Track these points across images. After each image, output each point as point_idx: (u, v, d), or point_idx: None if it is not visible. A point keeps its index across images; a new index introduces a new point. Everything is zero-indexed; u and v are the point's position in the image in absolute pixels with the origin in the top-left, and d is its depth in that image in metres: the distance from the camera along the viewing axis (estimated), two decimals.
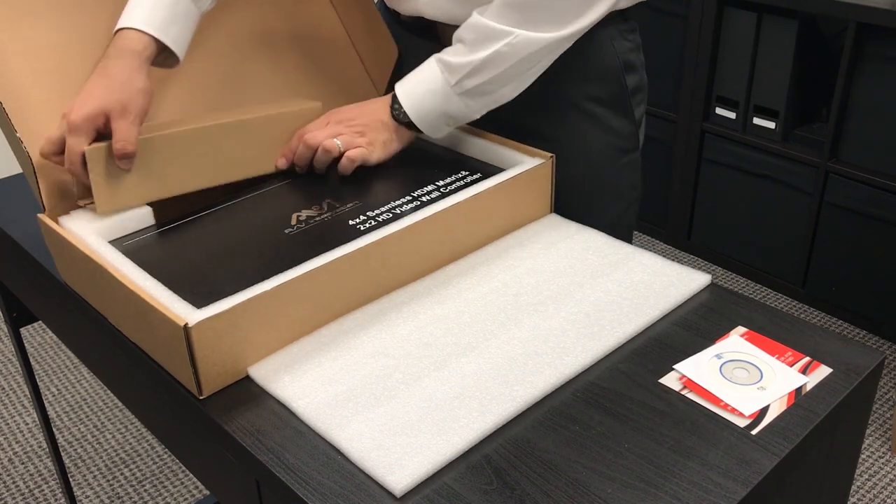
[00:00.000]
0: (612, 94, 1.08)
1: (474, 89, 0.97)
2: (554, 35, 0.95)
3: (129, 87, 0.90)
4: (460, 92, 0.97)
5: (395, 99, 1.00)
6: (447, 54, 0.98)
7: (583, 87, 1.07)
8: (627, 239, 1.12)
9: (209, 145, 0.97)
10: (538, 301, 0.88)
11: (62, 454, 1.95)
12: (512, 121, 1.06)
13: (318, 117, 1.03)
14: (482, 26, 0.95)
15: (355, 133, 1.00)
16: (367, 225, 0.91)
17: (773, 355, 0.80)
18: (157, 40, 0.94)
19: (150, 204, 0.95)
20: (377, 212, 0.94)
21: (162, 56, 0.97)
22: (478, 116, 1.01)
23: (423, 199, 0.96)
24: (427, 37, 1.09)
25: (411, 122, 1.00)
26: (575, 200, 1.06)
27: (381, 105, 1.02)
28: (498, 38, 0.94)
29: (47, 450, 1.96)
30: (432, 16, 1.05)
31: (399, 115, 1.00)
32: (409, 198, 0.96)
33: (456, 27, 1.00)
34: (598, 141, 1.09)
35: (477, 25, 0.95)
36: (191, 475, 1.89)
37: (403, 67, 1.13)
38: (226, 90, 1.08)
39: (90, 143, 0.89)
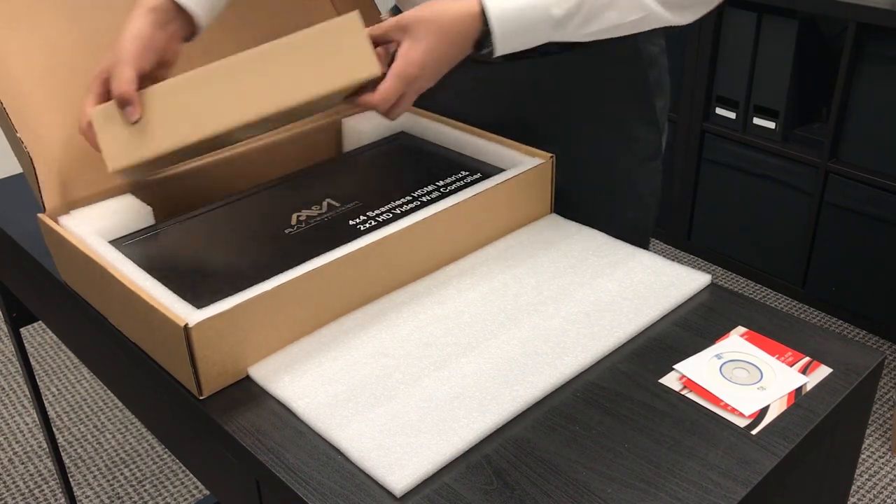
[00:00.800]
0: (637, 100, 1.07)
1: (577, 30, 0.90)
2: (680, 21, 0.93)
3: (124, 37, 0.87)
4: (560, 33, 0.90)
5: (486, 40, 0.88)
6: (564, 2, 0.87)
7: (608, 93, 1.06)
8: (644, 245, 1.10)
9: (224, 82, 0.87)
10: (538, 301, 0.88)
11: (62, 454, 1.95)
12: (531, 122, 1.05)
13: (355, 25, 0.85)
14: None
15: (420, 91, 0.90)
16: (367, 225, 0.91)
17: (773, 355, 0.80)
18: None
19: (149, 204, 0.95)
20: (377, 212, 0.94)
21: (182, 20, 0.91)
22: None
23: (423, 199, 0.96)
24: None
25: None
26: (592, 205, 1.04)
27: (465, 49, 0.88)
28: (639, 9, 0.89)
29: (47, 450, 1.96)
30: None
31: (484, 55, 0.90)
32: (409, 198, 0.96)
33: None
34: (621, 147, 1.08)
35: None
36: (191, 475, 1.89)
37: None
38: None
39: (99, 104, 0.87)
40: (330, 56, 0.84)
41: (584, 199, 1.04)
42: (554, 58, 1.02)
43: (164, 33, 0.89)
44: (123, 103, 0.85)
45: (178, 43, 0.91)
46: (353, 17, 0.85)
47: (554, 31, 0.88)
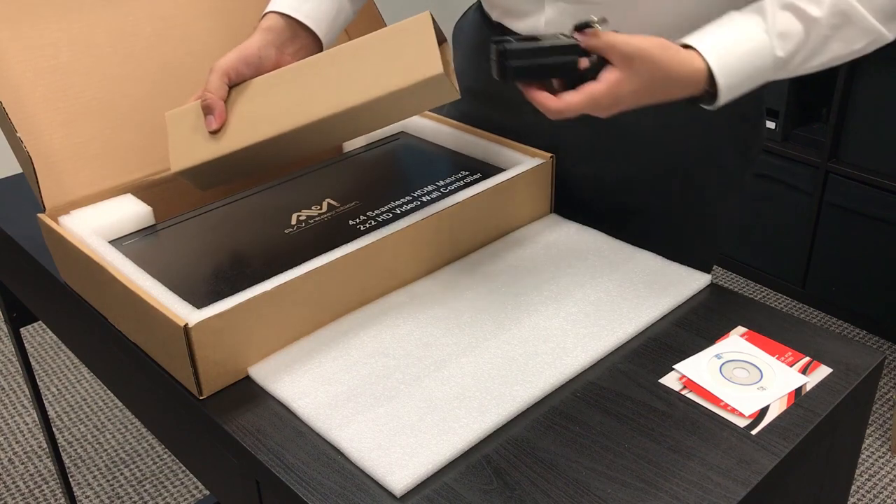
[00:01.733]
0: (736, 131, 1.02)
1: (799, 67, 0.84)
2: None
3: (232, 50, 0.89)
4: (783, 72, 0.84)
5: (710, 93, 0.82)
6: (786, 41, 0.81)
7: (714, 126, 1.01)
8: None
9: (287, 85, 0.85)
10: (538, 301, 0.88)
11: (62, 454, 1.95)
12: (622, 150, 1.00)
13: (425, 25, 0.81)
14: (867, 27, 0.82)
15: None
16: (367, 225, 0.91)
17: (773, 355, 0.80)
18: (281, 15, 0.91)
19: (149, 204, 0.95)
20: (377, 212, 0.94)
21: (304, 38, 0.92)
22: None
23: (423, 199, 0.96)
24: None
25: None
26: (668, 231, 1.00)
27: (681, 83, 0.81)
28: (870, 35, 0.83)
29: (47, 450, 1.96)
30: None
31: (700, 102, 0.84)
32: (409, 198, 0.96)
33: None
34: (709, 177, 1.03)
35: (835, 9, 0.81)
36: (191, 475, 1.89)
37: (508, 90, 0.99)
38: None
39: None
40: (394, 57, 0.81)
41: (657, 223, 1.00)
42: None
43: (276, 52, 0.90)
44: (206, 111, 0.88)
45: (294, 61, 0.91)
46: (425, 17, 0.81)
47: (775, 73, 0.84)
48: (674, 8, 0.88)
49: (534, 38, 0.79)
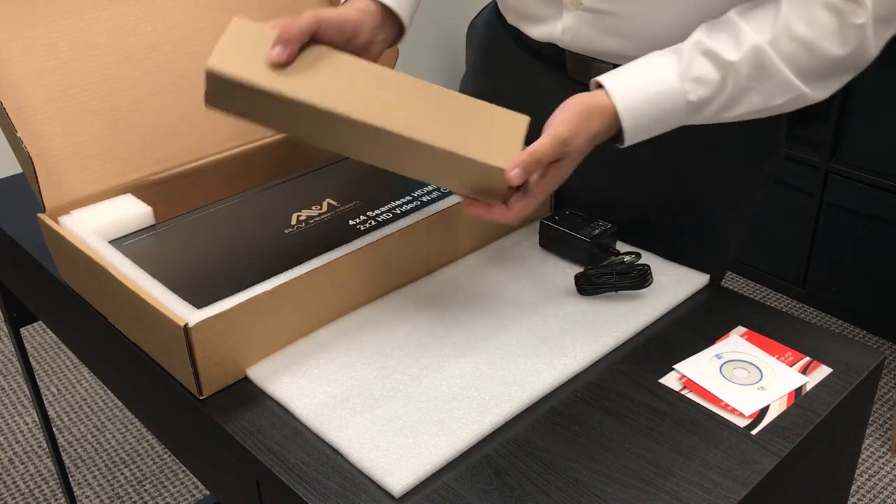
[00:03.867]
0: (750, 158, 1.01)
1: (715, 115, 0.85)
2: (820, 97, 0.85)
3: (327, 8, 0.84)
4: (697, 117, 0.85)
5: (620, 135, 0.83)
6: (700, 88, 0.81)
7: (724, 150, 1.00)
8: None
9: (369, 80, 0.80)
10: (537, 301, 0.88)
11: (62, 454, 1.95)
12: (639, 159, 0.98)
13: (520, 127, 0.81)
14: (782, 80, 0.81)
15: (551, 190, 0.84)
16: (367, 225, 0.91)
17: (773, 355, 0.80)
18: (374, 0, 0.86)
19: (149, 204, 0.95)
20: (377, 212, 0.94)
21: (391, 25, 0.89)
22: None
23: (423, 199, 0.96)
24: (553, 65, 1.00)
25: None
26: (672, 247, 0.98)
27: (597, 129, 0.82)
28: (790, 93, 0.82)
29: (47, 450, 1.96)
30: (569, 45, 0.96)
31: (615, 143, 0.85)
32: (409, 198, 0.96)
33: (588, 59, 0.95)
34: (719, 194, 1.02)
35: (774, 73, 0.81)
36: (191, 475, 1.89)
37: (520, 94, 1.02)
38: None
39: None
40: (479, 130, 0.80)
41: (665, 236, 0.99)
42: None
43: (369, 34, 0.86)
44: (279, 41, 0.78)
45: (379, 48, 0.88)
46: (524, 120, 0.82)
47: (689, 117, 0.84)
48: (689, 17, 0.87)
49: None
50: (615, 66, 0.93)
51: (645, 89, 0.81)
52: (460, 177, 0.80)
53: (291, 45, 0.79)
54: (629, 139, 0.83)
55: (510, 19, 1.04)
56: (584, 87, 0.96)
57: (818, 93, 0.83)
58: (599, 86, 0.83)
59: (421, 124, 0.78)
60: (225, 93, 0.79)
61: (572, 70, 0.98)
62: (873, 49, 0.80)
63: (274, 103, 0.78)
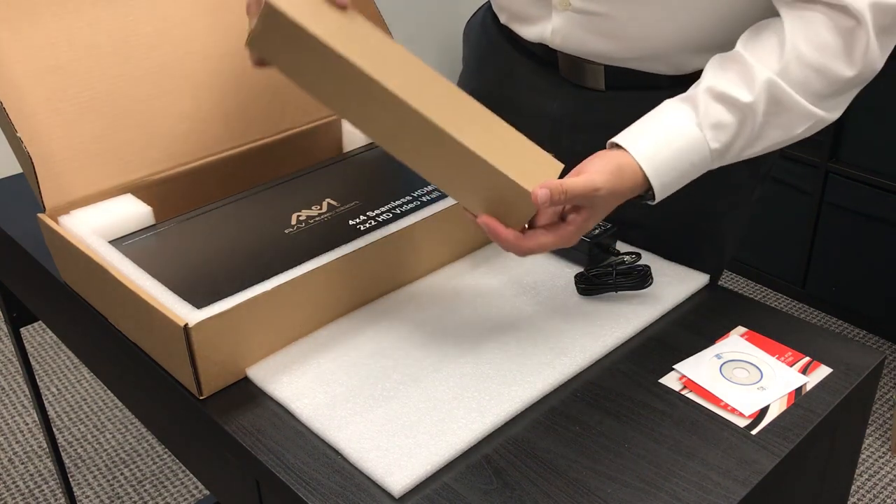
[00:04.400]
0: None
1: (739, 154, 0.85)
2: (831, 117, 0.84)
3: None
4: (723, 161, 0.84)
5: (648, 187, 0.81)
6: (719, 132, 0.81)
7: None
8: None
9: (416, 71, 0.78)
10: (537, 301, 0.88)
11: (62, 454, 1.95)
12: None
13: (554, 169, 0.80)
14: (797, 107, 0.81)
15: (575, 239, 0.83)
16: (367, 225, 0.91)
17: (773, 355, 0.80)
18: None
19: (149, 204, 0.95)
20: (377, 212, 0.94)
21: None
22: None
23: (423, 199, 0.96)
24: (546, 65, 1.01)
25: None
26: (671, 242, 0.98)
27: (629, 189, 0.81)
28: (808, 120, 0.82)
29: (47, 450, 1.96)
30: (559, 46, 0.96)
31: (645, 198, 0.84)
32: (409, 198, 0.96)
33: (579, 59, 0.95)
34: (715, 191, 1.01)
35: (789, 103, 0.80)
36: (191, 475, 1.89)
37: (514, 94, 1.04)
38: (224, 91, 1.07)
39: None
40: (517, 156, 0.79)
41: (661, 234, 0.99)
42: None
43: None
44: None
45: None
46: (558, 166, 0.80)
47: (715, 162, 0.83)
48: (676, 19, 0.87)
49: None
50: (606, 66, 0.93)
51: (668, 146, 0.80)
52: (484, 192, 0.78)
53: None
54: (660, 196, 0.82)
55: (503, 19, 1.04)
56: (577, 87, 0.97)
57: (832, 113, 0.83)
58: (617, 144, 0.82)
59: (465, 129, 0.76)
60: (274, 36, 0.75)
61: (565, 70, 0.99)
62: (879, 62, 0.79)
63: (323, 61, 0.74)
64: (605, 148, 0.84)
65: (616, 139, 0.82)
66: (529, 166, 0.78)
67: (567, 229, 0.78)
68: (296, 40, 0.74)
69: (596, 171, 0.78)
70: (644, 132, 0.81)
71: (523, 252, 0.78)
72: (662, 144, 0.80)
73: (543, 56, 1.00)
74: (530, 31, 0.99)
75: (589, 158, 0.80)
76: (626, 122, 0.83)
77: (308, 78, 0.77)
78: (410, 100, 0.74)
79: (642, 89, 0.93)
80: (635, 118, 0.83)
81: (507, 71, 1.06)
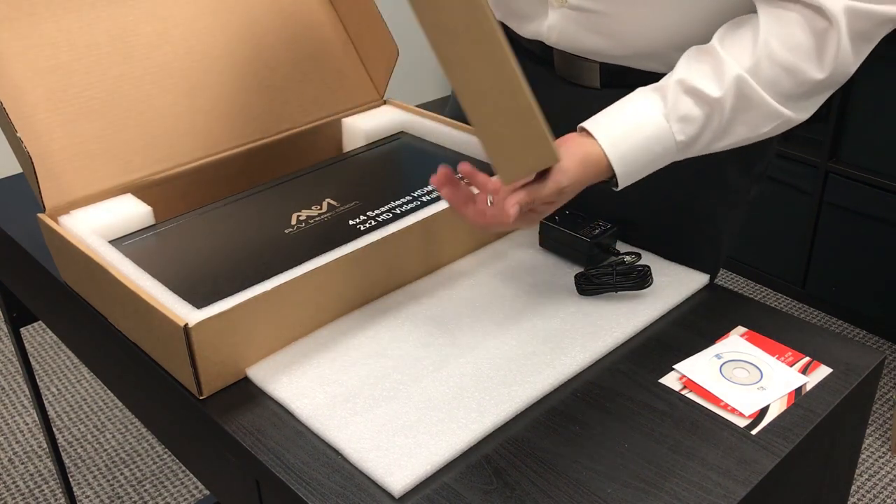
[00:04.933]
0: (737, 154, 0.98)
1: (706, 148, 0.85)
2: (801, 118, 0.83)
3: None
4: (688, 153, 0.85)
5: (612, 172, 0.83)
6: (687, 126, 0.82)
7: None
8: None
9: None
10: (537, 301, 0.88)
11: (62, 454, 1.95)
12: None
13: (550, 158, 0.79)
14: (762, 105, 0.81)
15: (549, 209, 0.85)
16: (367, 225, 0.91)
17: (773, 355, 0.80)
18: None
19: (149, 204, 0.95)
20: (377, 212, 0.94)
21: None
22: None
23: (423, 199, 0.96)
24: (542, 63, 1.01)
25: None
26: (666, 240, 0.98)
27: (593, 178, 0.83)
28: (775, 119, 0.82)
29: (47, 450, 1.96)
30: (554, 43, 0.97)
31: (610, 184, 0.85)
32: (409, 198, 0.96)
33: (575, 57, 0.96)
34: (708, 191, 1.01)
35: (756, 101, 0.80)
36: (191, 475, 1.89)
37: None
38: (224, 91, 1.08)
39: None
40: (513, 137, 0.78)
41: (657, 233, 0.99)
42: None
43: None
44: None
45: None
46: (554, 158, 0.79)
47: (680, 154, 0.84)
48: (670, 17, 0.88)
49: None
50: (601, 64, 0.94)
51: (634, 135, 0.82)
52: (504, 126, 0.77)
53: None
54: (623, 183, 0.84)
55: (499, 16, 1.04)
56: (573, 85, 0.97)
57: (800, 114, 0.83)
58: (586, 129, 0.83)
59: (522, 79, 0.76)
60: None
61: (560, 68, 0.99)
62: (852, 66, 0.79)
63: None
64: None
65: (585, 124, 0.83)
66: (523, 144, 0.78)
67: (531, 216, 0.82)
68: None
69: (560, 171, 0.80)
70: (613, 121, 0.82)
71: (484, 225, 0.80)
72: (629, 133, 0.81)
73: (539, 54, 1.00)
74: (526, 29, 1.00)
75: (557, 143, 0.81)
76: None
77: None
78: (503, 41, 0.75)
79: (637, 87, 0.93)
80: None
81: None
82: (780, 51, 0.79)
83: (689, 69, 0.82)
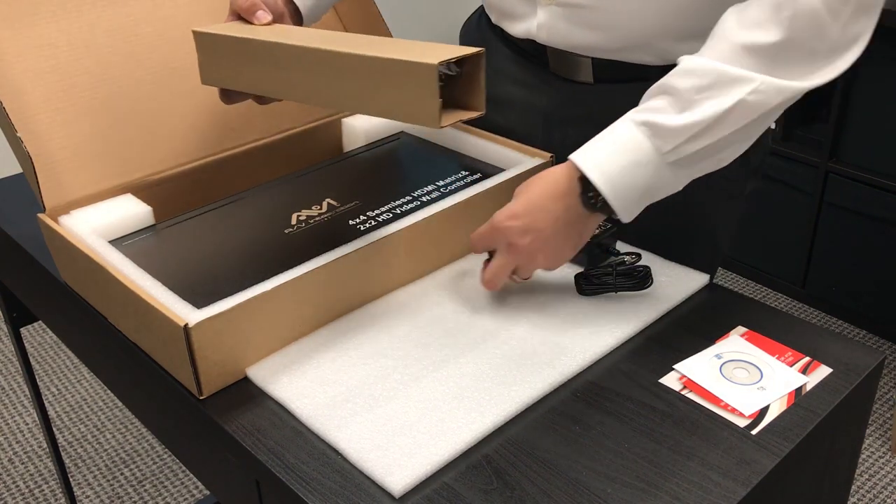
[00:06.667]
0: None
1: (692, 156, 0.80)
2: (802, 84, 0.80)
3: None
4: (673, 160, 0.80)
5: (586, 183, 0.80)
6: (652, 114, 0.79)
7: None
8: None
9: (319, 69, 0.82)
10: (537, 301, 0.88)
11: (62, 454, 1.95)
12: None
13: (430, 76, 0.74)
14: (711, 71, 0.77)
15: (531, 258, 0.83)
16: (367, 225, 0.91)
17: (773, 355, 0.80)
18: None
19: (149, 204, 0.95)
20: (377, 212, 0.94)
21: (290, 13, 0.97)
22: (679, 188, 0.83)
23: (423, 199, 0.96)
24: (536, 61, 1.02)
25: (607, 204, 0.81)
26: (662, 236, 0.97)
27: (568, 202, 0.81)
28: (739, 84, 0.77)
29: (47, 450, 1.96)
30: (545, 40, 0.97)
31: (595, 203, 0.81)
32: (409, 198, 0.96)
33: (567, 53, 0.96)
34: (703, 183, 0.97)
35: (703, 70, 0.77)
36: (191, 475, 1.89)
37: (506, 90, 1.07)
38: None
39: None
40: (411, 50, 0.78)
41: (654, 229, 0.97)
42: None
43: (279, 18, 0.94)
44: (252, 10, 0.90)
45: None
46: (431, 67, 0.75)
47: (662, 157, 0.80)
48: (656, 5, 0.89)
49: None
50: (594, 59, 0.95)
51: (603, 138, 0.81)
52: (391, 91, 0.78)
53: (257, 6, 0.90)
54: (608, 190, 0.80)
55: (493, 18, 1.06)
56: (567, 81, 0.98)
57: (782, 77, 0.79)
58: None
59: (356, 47, 0.81)
60: (207, 57, 0.92)
61: (553, 65, 1.00)
62: (835, 32, 0.76)
63: (237, 51, 0.88)
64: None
65: (571, 155, 0.82)
66: (427, 51, 0.77)
67: (518, 271, 0.85)
68: (218, 48, 0.90)
69: (510, 204, 0.83)
70: (588, 144, 0.82)
71: (484, 282, 0.86)
72: (596, 140, 0.82)
73: (532, 52, 1.02)
74: (518, 28, 1.01)
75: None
76: (616, 114, 0.82)
77: (241, 75, 0.90)
78: (300, 43, 0.83)
79: (631, 81, 0.93)
80: (625, 110, 0.82)
81: (501, 69, 1.07)
82: (734, 30, 0.78)
83: (648, 104, 0.81)
